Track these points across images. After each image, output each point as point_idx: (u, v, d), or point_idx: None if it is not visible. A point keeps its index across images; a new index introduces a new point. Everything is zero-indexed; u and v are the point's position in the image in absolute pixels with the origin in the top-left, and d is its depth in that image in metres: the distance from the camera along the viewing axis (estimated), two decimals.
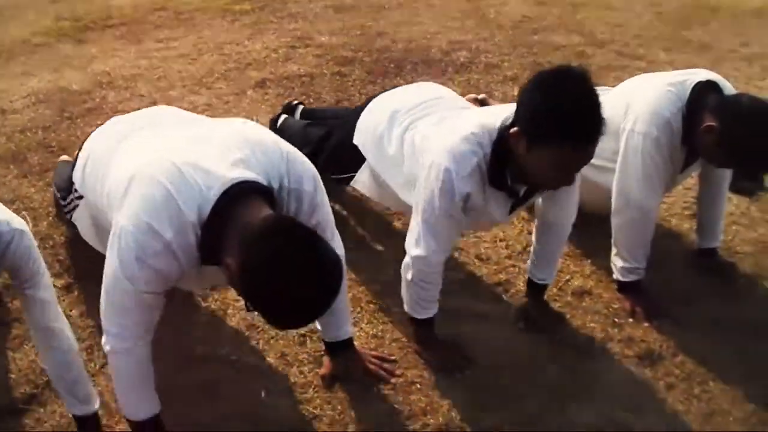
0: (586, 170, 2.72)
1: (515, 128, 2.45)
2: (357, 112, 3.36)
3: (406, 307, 2.90)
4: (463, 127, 2.63)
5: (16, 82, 5.28)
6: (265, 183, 2.23)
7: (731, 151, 2.89)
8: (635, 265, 3.15)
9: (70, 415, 2.59)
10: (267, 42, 5.92)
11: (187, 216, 2.13)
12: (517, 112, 2.49)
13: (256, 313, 2.11)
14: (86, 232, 2.97)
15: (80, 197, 2.86)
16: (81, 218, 2.93)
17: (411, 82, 4.98)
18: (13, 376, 2.84)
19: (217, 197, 2.13)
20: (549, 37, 5.96)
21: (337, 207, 3.54)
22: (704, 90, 3.01)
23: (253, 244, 1.98)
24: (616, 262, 3.20)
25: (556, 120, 2.34)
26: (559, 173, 2.48)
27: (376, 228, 3.63)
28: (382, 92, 3.42)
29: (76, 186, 2.85)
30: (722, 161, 3.05)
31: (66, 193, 3.08)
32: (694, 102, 2.98)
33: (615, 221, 3.15)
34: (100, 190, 2.55)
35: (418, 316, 2.88)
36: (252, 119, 4.36)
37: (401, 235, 2.92)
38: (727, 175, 3.30)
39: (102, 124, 4.36)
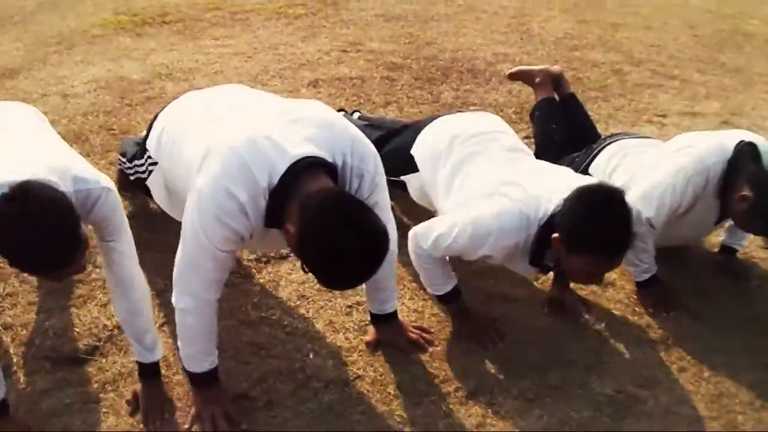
0: None
1: (556, 234, 2.78)
2: (417, 125, 3.66)
3: (428, 289, 3.21)
4: (520, 199, 2.93)
5: (76, 69, 5.61)
6: (329, 159, 2.45)
7: (761, 223, 3.12)
8: (645, 266, 3.39)
9: (132, 365, 2.88)
10: (320, 45, 6.23)
11: (260, 182, 2.36)
12: (560, 218, 2.80)
13: (309, 275, 2.38)
14: (159, 195, 3.16)
15: (154, 163, 3.06)
16: (155, 182, 3.11)
17: (456, 90, 5.33)
18: (77, 330, 3.11)
19: (286, 168, 2.36)
20: (588, 54, 6.22)
21: None
22: (745, 153, 3.18)
23: (310, 213, 2.24)
24: (629, 269, 3.44)
25: (590, 235, 2.70)
26: (588, 277, 2.89)
27: (420, 217, 3.89)
28: (442, 114, 3.74)
29: (150, 153, 3.05)
30: (751, 230, 3.31)
31: (133, 157, 3.34)
32: (734, 162, 3.19)
33: None
34: (177, 159, 2.78)
35: (437, 293, 3.18)
36: None
37: None
38: None
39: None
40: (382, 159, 3.27)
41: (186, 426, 2.70)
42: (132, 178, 3.38)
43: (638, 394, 2.92)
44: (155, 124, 3.08)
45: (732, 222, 3.48)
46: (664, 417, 2.82)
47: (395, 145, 3.66)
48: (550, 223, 2.83)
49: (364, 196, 2.57)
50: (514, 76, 4.62)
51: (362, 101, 5.14)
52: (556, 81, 4.39)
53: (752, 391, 2.96)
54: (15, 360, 2.97)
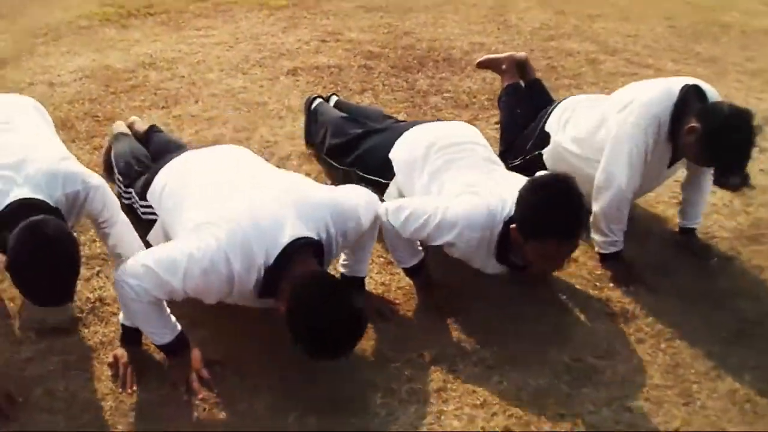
0: (582, 165, 3.54)
1: (513, 225, 2.96)
2: (397, 128, 3.81)
3: (395, 261, 3.34)
4: (483, 200, 3.10)
5: (62, 60, 5.70)
6: (315, 237, 2.75)
7: (709, 150, 3.27)
8: (614, 239, 3.50)
9: (112, 334, 3.07)
10: (300, 35, 6.31)
11: (257, 259, 2.66)
12: (516, 209, 2.98)
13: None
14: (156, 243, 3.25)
15: (154, 213, 3.29)
16: (156, 231, 3.26)
17: (432, 78, 5.44)
18: None
19: (281, 250, 2.66)
20: (564, 43, 6.30)
21: None
22: (691, 94, 3.38)
23: (298, 294, 2.56)
24: (597, 237, 3.54)
25: (543, 220, 2.88)
26: (548, 261, 3.06)
27: None
28: (422, 121, 3.98)
29: (152, 204, 3.29)
30: (701, 160, 3.41)
31: (129, 185, 3.58)
32: (681, 104, 3.36)
33: (597, 200, 3.49)
34: (177, 218, 3.00)
35: (404, 266, 3.30)
36: (284, 101, 4.85)
37: None
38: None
39: (143, 100, 4.88)
40: (360, 158, 3.43)
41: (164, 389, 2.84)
42: (125, 202, 3.53)
43: (596, 363, 3.01)
44: (157, 178, 3.29)
45: (684, 201, 3.74)
46: (620, 385, 2.91)
47: (374, 144, 3.81)
48: (506, 225, 3.01)
49: (352, 239, 2.99)
50: (482, 65, 4.77)
51: (339, 88, 5.22)
52: (521, 67, 4.53)
53: (708, 362, 3.05)
54: (2, 330, 3.10)
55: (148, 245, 3.11)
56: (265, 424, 2.71)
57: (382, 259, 3.52)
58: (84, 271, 3.29)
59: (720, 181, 3.49)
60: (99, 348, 3.01)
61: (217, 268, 2.63)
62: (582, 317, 3.26)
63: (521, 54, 4.66)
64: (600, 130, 3.60)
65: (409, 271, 3.31)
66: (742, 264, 3.64)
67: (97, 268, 3.44)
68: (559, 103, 4.04)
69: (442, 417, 2.73)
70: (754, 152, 3.31)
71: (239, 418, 2.74)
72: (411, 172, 3.49)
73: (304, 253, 2.71)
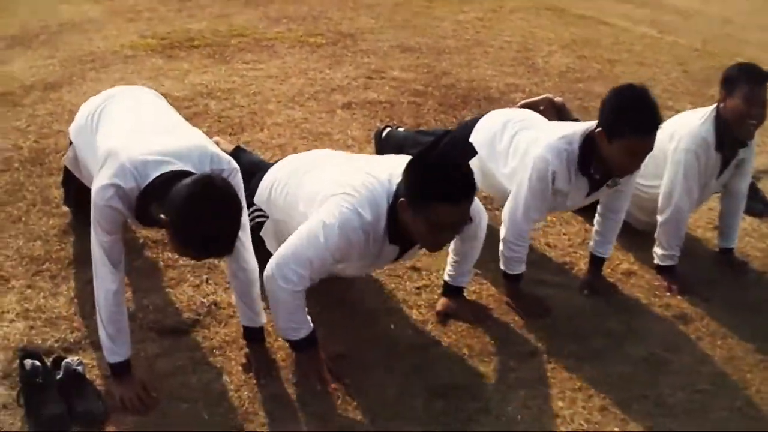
0: (641, 191, 4.07)
1: (599, 128, 3.44)
2: (470, 122, 4.35)
3: (501, 266, 3.81)
4: (558, 131, 3.64)
5: (117, 85, 5.92)
6: None
7: (744, 83, 3.86)
8: (672, 253, 4.10)
9: (234, 334, 3.39)
10: (346, 72, 6.78)
11: (381, 206, 3.02)
12: (599, 119, 3.48)
13: None
14: (271, 243, 3.54)
15: (264, 216, 3.60)
16: (267, 233, 3.59)
17: (477, 115, 5.92)
18: (176, 306, 3.59)
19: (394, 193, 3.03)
20: (591, 86, 6.87)
21: None
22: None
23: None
24: (657, 251, 4.14)
25: (627, 120, 3.35)
26: (631, 159, 3.44)
27: None
28: (477, 116, 4.40)
29: (261, 207, 3.60)
30: (741, 112, 3.89)
31: None
32: (718, 116, 3.98)
33: (659, 218, 4.10)
34: (293, 212, 3.33)
35: (511, 272, 3.80)
36: (347, 132, 5.39)
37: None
38: (744, 191, 4.29)
39: (209, 126, 5.30)
40: (442, 151, 3.77)
41: (294, 381, 3.21)
42: None
43: (666, 356, 3.58)
44: (262, 184, 3.63)
45: (723, 225, 4.35)
46: (689, 373, 3.48)
47: (454, 137, 4.34)
48: (587, 137, 3.55)
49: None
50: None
51: (395, 122, 5.63)
52: (559, 110, 5.17)
53: (757, 355, 3.64)
54: None
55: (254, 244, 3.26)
56: (398, 408, 3.10)
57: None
58: (192, 278, 3.77)
59: (750, 207, 4.13)
60: (224, 346, 3.34)
61: (351, 223, 2.93)
62: (648, 319, 3.82)
63: (559, 99, 5.32)
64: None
65: (512, 278, 3.81)
66: None
67: (205, 276, 3.77)
68: None
69: (548, 399, 3.25)
70: None
71: (372, 405, 3.11)
72: (492, 144, 4.03)
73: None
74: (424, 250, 3.31)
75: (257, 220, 3.60)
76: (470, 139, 4.16)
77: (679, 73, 7.43)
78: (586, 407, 3.23)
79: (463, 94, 6.47)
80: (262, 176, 3.67)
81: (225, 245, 2.73)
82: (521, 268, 3.79)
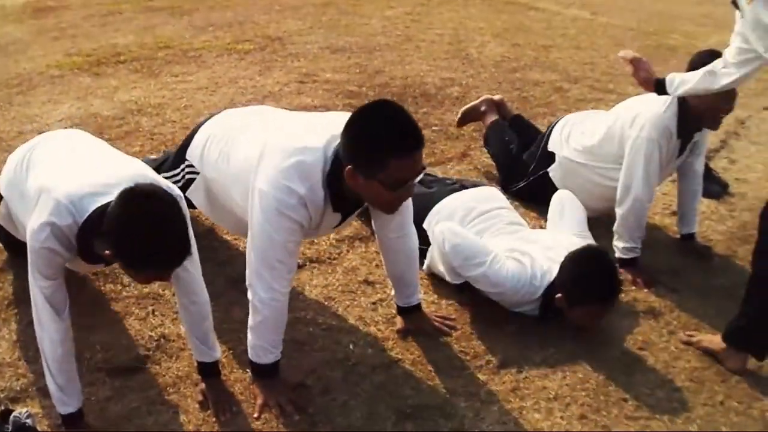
0: (591, 174, 4.05)
1: (559, 294, 3.41)
2: (424, 199, 3.96)
3: (447, 278, 3.69)
4: (531, 267, 3.53)
5: (45, 108, 5.83)
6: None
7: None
8: (633, 245, 3.95)
9: (187, 368, 3.21)
10: (277, 77, 6.61)
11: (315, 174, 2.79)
12: (559, 280, 3.44)
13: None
14: (199, 201, 3.51)
15: (194, 173, 3.46)
16: (197, 191, 3.47)
17: (416, 113, 5.78)
18: (123, 342, 3.38)
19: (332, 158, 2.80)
20: (528, 74, 6.77)
21: None
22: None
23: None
24: (618, 244, 3.99)
25: (587, 290, 3.36)
26: (592, 321, 3.49)
27: None
28: (446, 187, 4.17)
29: (193, 162, 3.45)
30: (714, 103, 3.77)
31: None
32: (682, 104, 3.84)
33: (618, 210, 3.95)
34: (225, 168, 3.18)
35: (456, 281, 3.67)
36: None
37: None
38: (701, 171, 4.18)
39: (142, 145, 5.10)
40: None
41: (255, 415, 3.02)
42: None
43: (640, 354, 3.43)
44: (197, 137, 3.47)
45: (682, 209, 4.26)
46: (665, 371, 3.33)
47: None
48: (551, 288, 3.45)
49: None
50: (463, 121, 5.25)
51: None
52: (499, 107, 5.07)
53: None
54: None
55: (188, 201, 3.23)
56: None
57: (426, 281, 3.86)
58: (138, 311, 3.56)
59: (706, 190, 4.02)
60: (178, 382, 3.15)
61: (288, 203, 2.77)
62: (616, 316, 3.66)
63: (497, 96, 5.20)
64: (605, 142, 4.11)
65: (459, 288, 3.68)
66: (740, 261, 4.13)
67: (151, 307, 3.59)
68: (554, 125, 4.52)
69: (524, 412, 3.07)
70: (727, 163, 3.88)
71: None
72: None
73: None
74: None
75: (188, 176, 3.51)
76: (424, 226, 3.91)
77: (617, 55, 7.32)
78: (564, 417, 3.06)
79: (399, 92, 6.33)
80: (197, 130, 3.52)
81: (180, 244, 2.53)
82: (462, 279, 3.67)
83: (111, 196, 2.57)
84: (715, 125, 3.94)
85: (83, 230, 2.61)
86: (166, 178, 3.39)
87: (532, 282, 3.46)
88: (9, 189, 3.20)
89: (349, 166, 2.73)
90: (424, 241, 3.69)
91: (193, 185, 3.51)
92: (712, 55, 3.55)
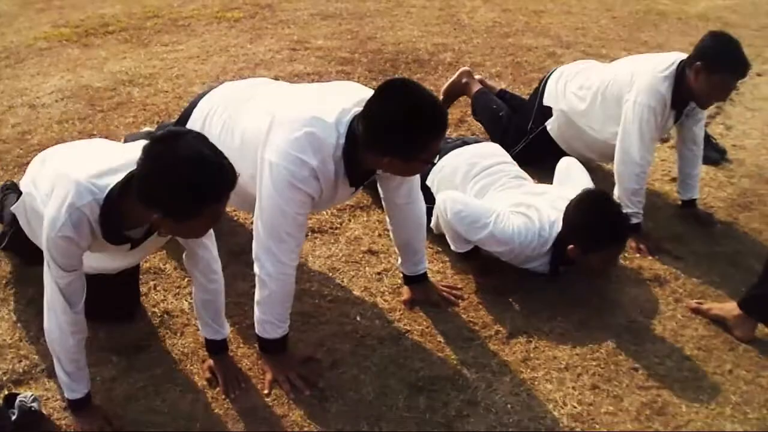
0: (589, 129, 4.09)
1: (571, 246, 3.38)
2: None
3: (452, 246, 3.64)
4: (538, 219, 3.50)
5: (35, 81, 5.74)
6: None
7: (717, 73, 3.71)
8: (635, 210, 3.94)
9: (192, 345, 3.18)
10: (268, 45, 6.56)
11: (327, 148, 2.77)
12: (568, 230, 3.42)
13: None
14: None
15: None
16: None
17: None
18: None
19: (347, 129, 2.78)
20: (521, 39, 6.73)
21: None
22: (685, 62, 3.86)
23: None
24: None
25: (600, 234, 3.34)
26: (609, 264, 3.58)
27: None
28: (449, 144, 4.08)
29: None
30: (715, 87, 3.77)
31: None
32: (680, 75, 3.83)
33: (618, 177, 3.95)
34: (229, 141, 3.09)
35: (460, 250, 3.63)
36: None
37: None
38: (701, 137, 4.17)
39: (135, 116, 5.03)
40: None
41: (265, 391, 2.99)
42: None
43: (648, 323, 3.44)
44: (196, 110, 3.40)
45: (683, 176, 4.24)
46: (674, 339, 3.34)
47: None
48: (560, 238, 3.42)
49: None
50: (447, 100, 5.15)
51: None
52: (482, 83, 5.02)
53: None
54: None
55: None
56: (379, 409, 2.91)
57: (430, 249, 3.83)
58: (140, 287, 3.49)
59: (705, 156, 4.03)
60: (184, 359, 3.11)
61: (301, 175, 2.76)
62: (622, 285, 3.67)
63: (478, 76, 5.15)
64: (601, 102, 4.14)
65: (464, 256, 3.65)
66: (742, 228, 4.14)
67: (152, 282, 3.54)
68: (548, 78, 4.54)
69: (536, 383, 3.08)
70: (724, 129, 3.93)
71: (352, 407, 2.92)
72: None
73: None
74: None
75: None
76: (427, 183, 3.90)
77: (608, 19, 7.35)
78: (576, 387, 3.07)
79: (392, 58, 6.30)
80: (196, 103, 3.45)
81: (227, 164, 2.39)
82: (468, 246, 3.63)
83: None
84: (704, 106, 3.99)
85: (106, 206, 2.51)
86: None
87: (541, 234, 3.43)
88: (28, 185, 3.08)
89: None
90: (429, 198, 3.66)
91: None
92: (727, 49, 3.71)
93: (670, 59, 3.92)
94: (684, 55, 3.89)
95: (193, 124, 3.36)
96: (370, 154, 2.77)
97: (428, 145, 2.73)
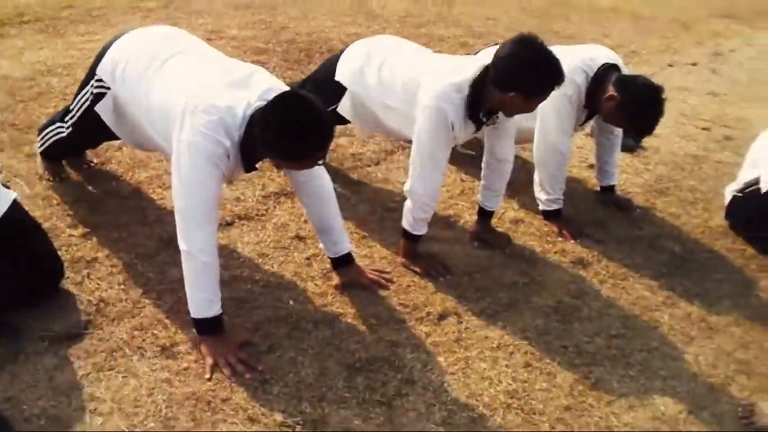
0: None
1: (513, 94, 3.26)
2: (330, 60, 4.11)
3: (406, 225, 3.65)
4: (443, 76, 3.43)
5: None
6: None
7: (627, 116, 3.78)
8: (555, 196, 4.04)
9: (130, 332, 3.12)
10: None
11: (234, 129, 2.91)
12: (499, 72, 3.28)
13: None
14: (108, 117, 3.51)
15: (105, 87, 3.43)
16: (105, 105, 3.47)
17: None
18: (64, 308, 3.22)
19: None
20: (433, 30, 6.80)
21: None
22: (608, 69, 3.91)
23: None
24: (541, 196, 4.08)
25: (528, 78, 3.22)
26: (526, 107, 3.37)
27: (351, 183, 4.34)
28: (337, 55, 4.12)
29: (103, 78, 3.42)
30: (617, 122, 3.93)
31: (66, 112, 3.79)
32: (599, 77, 3.88)
33: (538, 162, 4.03)
34: (143, 97, 3.20)
35: (416, 233, 3.64)
36: None
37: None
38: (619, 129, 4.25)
39: (56, 106, 4.86)
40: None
41: (207, 376, 2.95)
42: (67, 125, 3.81)
43: (574, 303, 3.53)
44: (110, 53, 3.42)
45: (601, 163, 4.32)
46: (600, 318, 3.44)
47: (318, 79, 4.12)
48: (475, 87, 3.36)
49: None
50: None
51: None
52: None
53: (661, 292, 3.68)
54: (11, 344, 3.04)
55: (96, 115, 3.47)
56: (320, 390, 2.90)
57: (356, 234, 3.88)
58: (73, 275, 3.42)
59: (622, 144, 4.13)
60: (123, 347, 3.05)
61: (216, 153, 2.89)
62: (547, 267, 3.76)
63: None
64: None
65: (413, 238, 3.67)
66: (659, 212, 4.29)
67: (85, 271, 3.45)
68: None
69: (470, 361, 3.13)
70: None
71: (293, 389, 2.91)
72: (361, 77, 3.83)
73: None
74: None
75: (96, 91, 3.49)
76: (336, 78, 3.93)
77: (519, 10, 7.48)
78: (509, 365, 3.13)
79: (306, 47, 6.31)
80: (108, 48, 3.47)
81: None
82: (425, 229, 3.66)
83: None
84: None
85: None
86: (77, 98, 3.64)
87: (452, 82, 3.37)
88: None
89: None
90: (338, 97, 3.90)
91: (102, 100, 3.48)
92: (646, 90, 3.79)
93: (592, 53, 4.02)
94: (611, 55, 4.00)
95: (104, 67, 3.42)
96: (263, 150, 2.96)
97: (313, 155, 2.92)
